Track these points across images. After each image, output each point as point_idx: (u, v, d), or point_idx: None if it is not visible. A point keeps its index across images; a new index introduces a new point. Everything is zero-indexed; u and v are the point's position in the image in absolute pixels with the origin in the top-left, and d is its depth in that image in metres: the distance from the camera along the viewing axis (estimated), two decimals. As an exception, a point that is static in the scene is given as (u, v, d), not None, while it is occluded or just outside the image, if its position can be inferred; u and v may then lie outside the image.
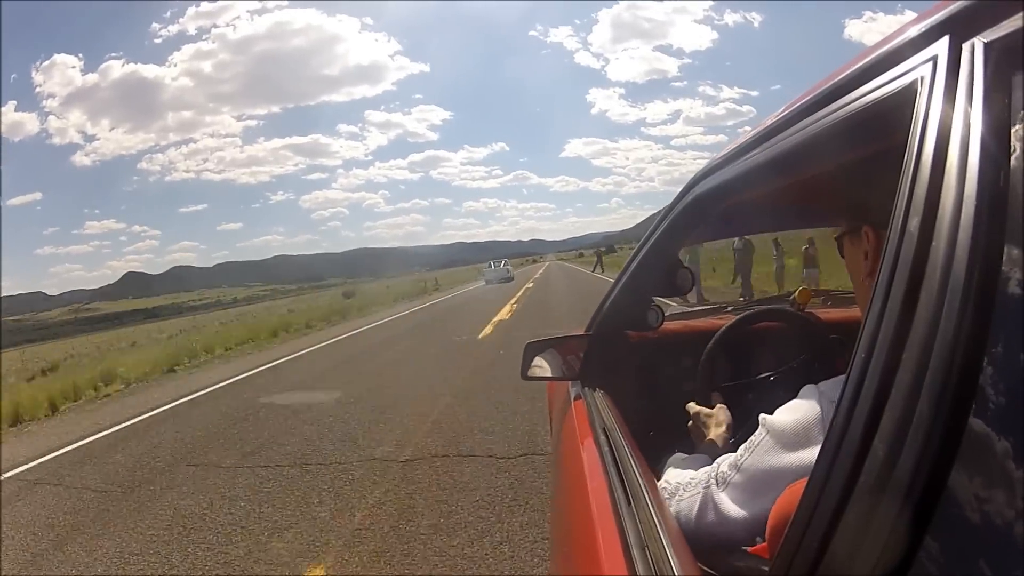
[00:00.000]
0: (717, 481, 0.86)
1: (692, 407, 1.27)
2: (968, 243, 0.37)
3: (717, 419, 1.21)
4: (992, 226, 0.36)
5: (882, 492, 0.37)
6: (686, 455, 1.12)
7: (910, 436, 0.36)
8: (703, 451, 1.14)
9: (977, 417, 0.33)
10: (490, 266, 41.18)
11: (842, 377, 0.78)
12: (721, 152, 1.03)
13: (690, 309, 2.27)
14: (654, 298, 1.58)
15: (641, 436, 1.19)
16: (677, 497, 0.93)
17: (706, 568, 0.77)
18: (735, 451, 0.88)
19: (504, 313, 14.34)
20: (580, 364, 1.54)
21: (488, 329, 11.12)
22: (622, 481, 0.90)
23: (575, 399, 1.48)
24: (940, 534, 0.33)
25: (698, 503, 0.88)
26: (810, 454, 0.74)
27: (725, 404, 1.27)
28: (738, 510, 0.82)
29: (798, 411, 0.79)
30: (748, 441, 0.84)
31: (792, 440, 0.77)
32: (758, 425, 0.84)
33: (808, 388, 0.81)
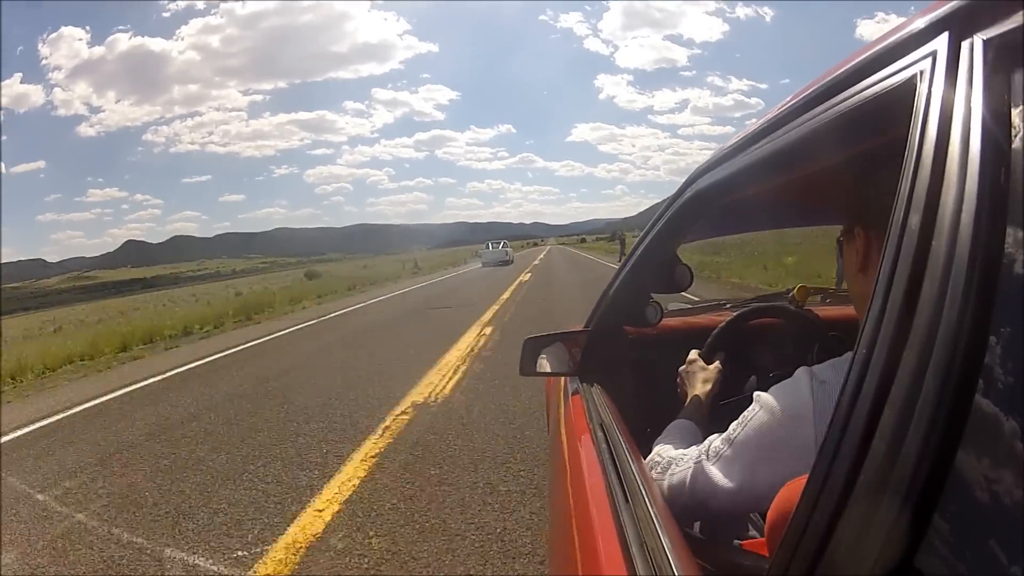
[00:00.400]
0: (708, 455, 0.89)
1: (693, 354, 1.31)
2: (969, 238, 0.37)
3: (707, 375, 1.25)
4: (993, 221, 0.36)
5: (884, 487, 0.37)
6: (675, 422, 1.13)
7: (911, 431, 0.36)
8: (687, 412, 1.17)
9: (978, 413, 0.33)
10: (488, 247, 37.07)
11: (834, 360, 0.80)
12: (721, 147, 1.03)
13: (691, 306, 2.26)
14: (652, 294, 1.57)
15: (639, 432, 1.19)
16: (669, 472, 0.94)
17: (704, 564, 0.77)
18: (718, 417, 0.88)
19: (463, 346, 7.24)
20: (578, 360, 1.54)
21: (381, 437, 4.03)
22: (619, 478, 0.90)
23: (573, 394, 1.48)
24: (943, 528, 0.33)
25: (689, 476, 0.90)
26: (800, 431, 0.77)
27: (723, 379, 1.28)
28: (729, 482, 0.85)
29: (790, 389, 0.82)
30: (741, 416, 0.86)
31: (783, 416, 0.80)
32: (751, 402, 0.86)
33: (802, 369, 0.83)
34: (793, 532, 0.45)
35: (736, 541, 0.96)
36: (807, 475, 0.46)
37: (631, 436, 1.06)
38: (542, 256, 47.69)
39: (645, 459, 1.01)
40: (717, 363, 1.28)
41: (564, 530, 1.07)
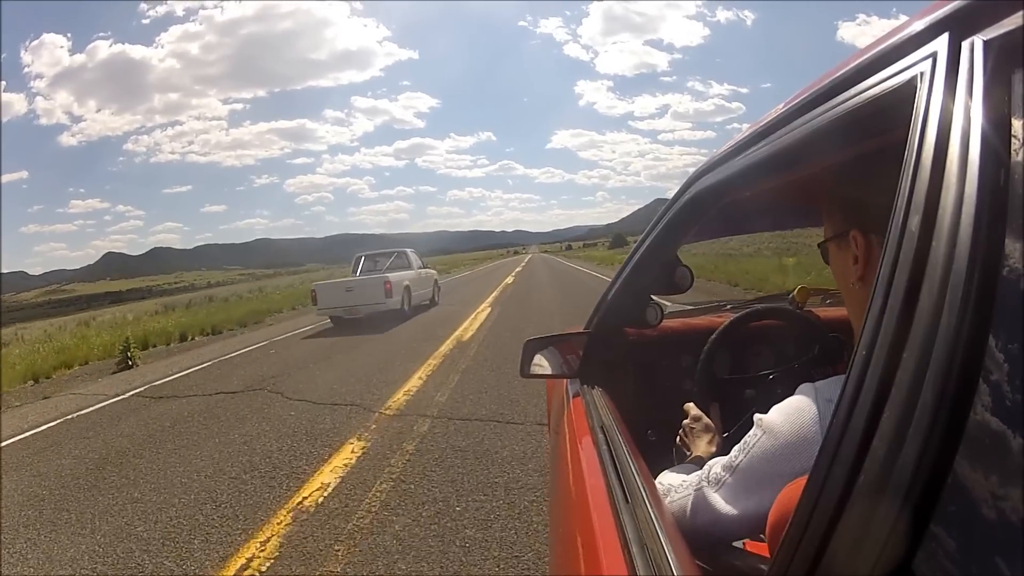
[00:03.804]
0: (709, 481, 0.85)
1: (694, 410, 1.23)
2: (969, 240, 0.37)
3: (712, 436, 1.17)
4: (992, 223, 0.36)
5: (882, 490, 0.37)
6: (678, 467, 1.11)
7: (910, 434, 0.36)
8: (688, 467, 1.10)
9: (977, 415, 0.33)
10: (357, 271, 13.00)
11: (839, 377, 0.75)
12: (720, 149, 1.02)
13: (691, 307, 2.25)
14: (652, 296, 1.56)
15: (639, 434, 1.18)
16: (669, 499, 0.91)
17: (704, 566, 0.77)
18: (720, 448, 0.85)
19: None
20: (579, 362, 1.54)
21: None
22: (620, 479, 0.90)
23: (573, 396, 1.48)
24: (941, 532, 0.33)
25: (690, 503, 0.87)
26: (806, 453, 0.73)
27: (723, 402, 1.25)
28: (732, 509, 0.80)
29: (794, 410, 0.77)
30: (742, 441, 0.82)
31: (788, 439, 0.76)
32: (752, 424, 0.82)
33: (805, 387, 0.80)
34: (793, 533, 0.45)
35: (736, 542, 0.94)
36: (807, 476, 0.47)
37: (631, 438, 1.06)
38: (521, 268, 33.83)
39: (646, 462, 1.00)
40: (712, 421, 1.20)
41: (565, 530, 1.07)
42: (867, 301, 0.46)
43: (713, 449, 1.13)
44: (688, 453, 1.16)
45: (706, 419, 1.20)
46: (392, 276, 11.95)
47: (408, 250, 13.68)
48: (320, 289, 12.06)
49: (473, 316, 11.42)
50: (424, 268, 14.24)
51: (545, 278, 23.66)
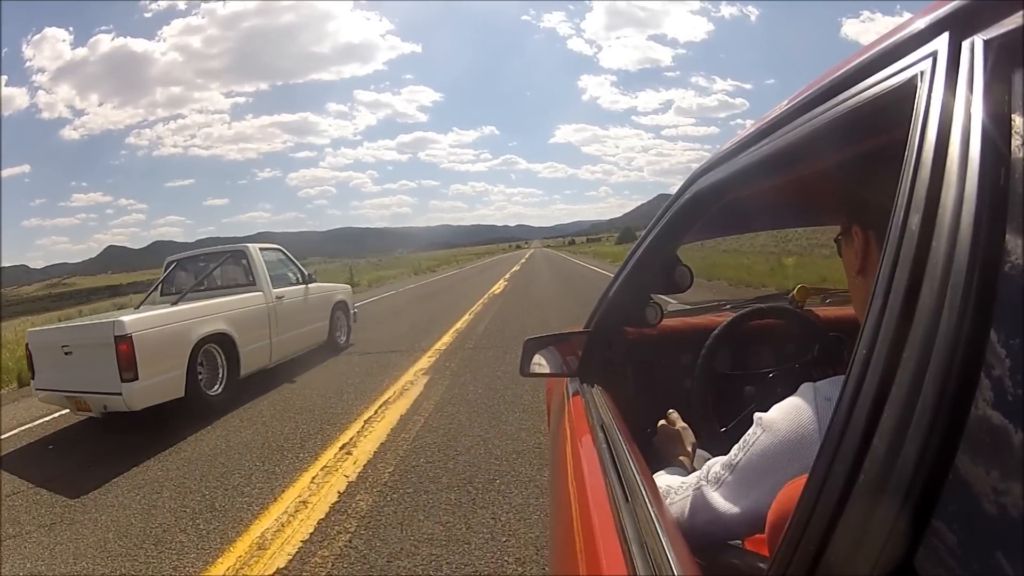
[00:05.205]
0: (709, 480, 0.85)
1: (674, 415, 1.25)
2: (969, 239, 0.37)
3: (684, 447, 1.19)
4: (993, 222, 0.36)
5: (883, 489, 0.37)
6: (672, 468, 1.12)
7: (911, 433, 0.36)
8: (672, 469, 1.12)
9: (978, 413, 0.33)
10: (157, 293, 6.66)
11: (839, 377, 0.75)
12: (721, 148, 1.02)
13: (691, 307, 2.25)
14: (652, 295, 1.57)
15: (639, 433, 1.19)
16: (668, 500, 0.91)
17: (704, 564, 0.77)
18: (719, 442, 0.85)
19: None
20: (579, 360, 1.54)
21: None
22: (620, 478, 0.90)
23: (573, 395, 1.48)
24: (942, 529, 0.34)
25: (689, 503, 0.87)
26: (806, 453, 0.73)
27: (722, 398, 1.27)
28: (733, 508, 0.81)
29: (794, 409, 0.78)
30: (742, 440, 0.83)
31: (788, 438, 0.76)
32: (751, 423, 0.83)
33: (805, 386, 0.80)
34: (793, 532, 0.45)
35: (736, 541, 0.94)
36: (807, 475, 0.47)
37: (631, 437, 1.06)
38: (521, 266, 28.43)
39: (646, 461, 1.00)
40: (684, 428, 1.22)
41: (565, 530, 1.07)
42: (867, 293, 0.46)
43: (686, 460, 1.16)
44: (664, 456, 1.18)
45: (680, 424, 1.23)
46: (141, 323, 4.70)
47: (251, 248, 6.59)
48: (36, 346, 5.18)
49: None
50: (307, 283, 7.26)
51: (548, 285, 16.60)
